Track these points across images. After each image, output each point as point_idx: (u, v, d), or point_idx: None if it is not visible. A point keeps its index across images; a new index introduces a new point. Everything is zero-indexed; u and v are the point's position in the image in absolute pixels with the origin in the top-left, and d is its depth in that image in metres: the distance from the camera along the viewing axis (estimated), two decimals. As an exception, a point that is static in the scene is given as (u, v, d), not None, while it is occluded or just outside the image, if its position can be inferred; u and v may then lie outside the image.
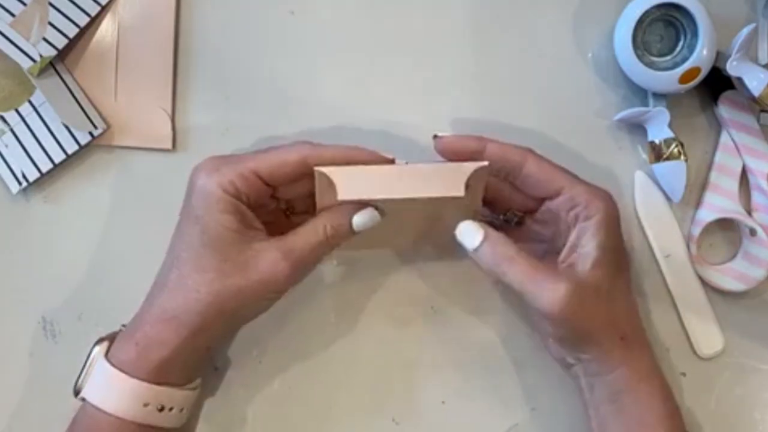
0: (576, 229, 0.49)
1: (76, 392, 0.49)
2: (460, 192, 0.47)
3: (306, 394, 0.56)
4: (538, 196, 0.50)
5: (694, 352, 0.56)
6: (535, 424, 0.56)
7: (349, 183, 0.47)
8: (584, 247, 0.48)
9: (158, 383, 0.48)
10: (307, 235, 0.48)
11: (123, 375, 0.47)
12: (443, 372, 0.56)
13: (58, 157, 0.55)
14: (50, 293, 0.57)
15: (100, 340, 0.50)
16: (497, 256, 0.48)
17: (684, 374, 0.56)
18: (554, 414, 0.56)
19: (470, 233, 0.48)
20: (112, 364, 0.48)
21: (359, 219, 0.48)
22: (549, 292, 0.46)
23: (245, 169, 0.48)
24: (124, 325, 0.50)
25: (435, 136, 0.49)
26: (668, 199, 0.57)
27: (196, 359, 0.50)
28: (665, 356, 0.56)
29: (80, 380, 0.49)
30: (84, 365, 0.49)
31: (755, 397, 0.57)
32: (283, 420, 0.56)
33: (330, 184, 0.47)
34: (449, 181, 0.47)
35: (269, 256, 0.47)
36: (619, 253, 0.50)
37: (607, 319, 0.48)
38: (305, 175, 0.48)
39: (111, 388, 0.47)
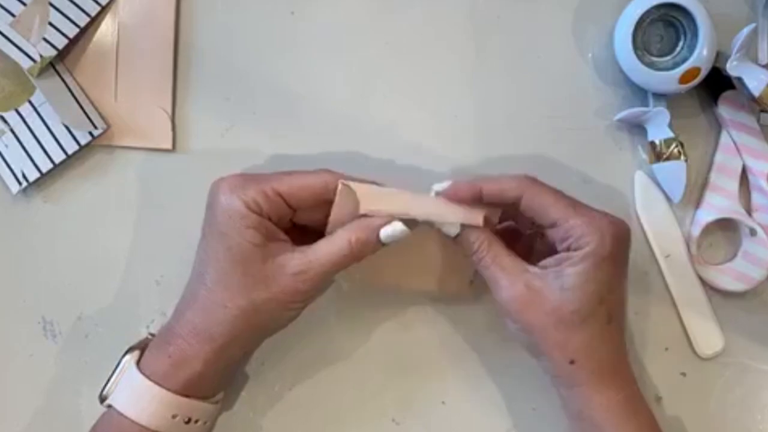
0: (562, 255, 0.49)
1: (102, 399, 0.49)
2: (479, 222, 0.50)
3: (306, 395, 0.56)
4: (537, 224, 0.51)
5: (694, 352, 0.56)
6: (535, 424, 0.56)
7: (373, 200, 0.48)
8: (561, 270, 0.48)
9: (187, 395, 0.48)
10: (331, 246, 0.48)
11: (155, 386, 0.47)
12: (443, 372, 0.56)
13: (58, 157, 0.55)
14: (50, 293, 0.57)
15: (130, 349, 0.50)
16: (473, 246, 0.50)
17: (684, 374, 0.56)
18: (554, 414, 0.56)
19: (451, 226, 0.50)
20: (145, 375, 0.48)
21: (387, 230, 0.48)
22: (503, 288, 0.49)
23: (268, 188, 0.48)
24: (152, 334, 0.51)
25: (436, 193, 0.50)
26: (668, 199, 0.57)
27: (225, 373, 0.50)
28: (665, 356, 0.56)
29: (108, 387, 0.49)
30: (113, 373, 0.49)
31: (755, 397, 0.57)
32: (284, 421, 0.56)
33: (353, 200, 0.48)
34: (468, 212, 0.50)
35: (291, 269, 0.47)
36: (599, 287, 0.48)
37: (557, 339, 0.48)
38: (324, 202, 0.49)
39: (141, 398, 0.47)
